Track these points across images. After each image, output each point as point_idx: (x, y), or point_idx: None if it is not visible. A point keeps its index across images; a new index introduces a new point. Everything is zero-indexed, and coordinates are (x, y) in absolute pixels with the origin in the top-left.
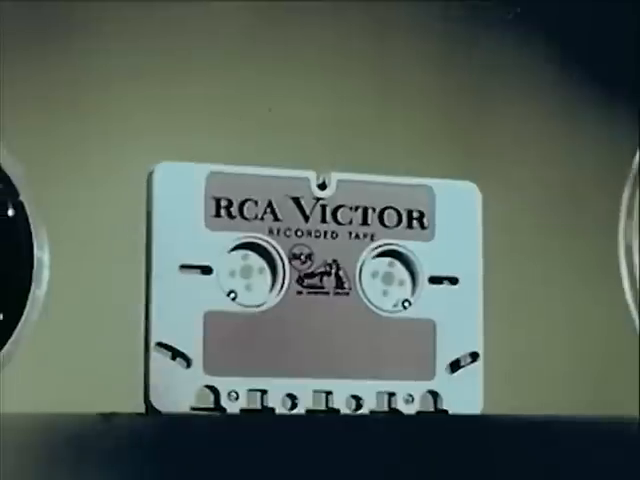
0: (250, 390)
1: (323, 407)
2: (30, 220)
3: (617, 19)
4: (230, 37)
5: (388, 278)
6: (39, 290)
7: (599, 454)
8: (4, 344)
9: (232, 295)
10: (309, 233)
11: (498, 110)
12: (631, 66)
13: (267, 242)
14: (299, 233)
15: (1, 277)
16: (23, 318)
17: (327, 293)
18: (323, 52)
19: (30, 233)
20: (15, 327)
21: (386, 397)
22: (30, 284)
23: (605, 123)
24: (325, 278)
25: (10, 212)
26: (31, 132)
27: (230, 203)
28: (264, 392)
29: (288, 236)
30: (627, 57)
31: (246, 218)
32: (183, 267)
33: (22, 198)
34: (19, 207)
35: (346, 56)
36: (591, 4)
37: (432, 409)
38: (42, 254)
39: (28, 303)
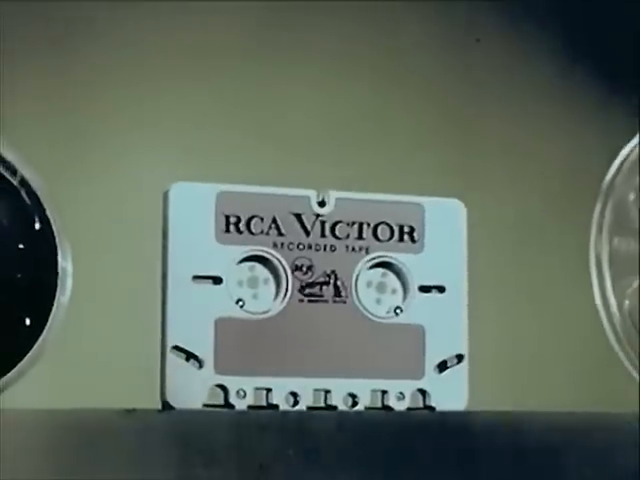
0: (256, 388)
1: (322, 404)
2: (55, 233)
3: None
4: (233, 62)
5: (381, 287)
6: (63, 297)
7: (577, 447)
8: (32, 346)
9: (240, 303)
10: (310, 246)
11: (483, 136)
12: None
13: (272, 255)
14: (301, 246)
15: (29, 285)
16: (49, 323)
17: (326, 301)
18: (324, 80)
19: (55, 245)
20: (42, 331)
21: (379, 395)
22: (55, 291)
23: (575, 149)
24: (324, 287)
25: (37, 226)
26: (57, 155)
27: (238, 219)
28: (269, 390)
29: (291, 249)
30: (596, 89)
31: (253, 233)
32: (196, 277)
33: (48, 213)
34: (45, 221)
35: (345, 87)
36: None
37: (421, 406)
38: (66, 264)
39: (53, 309)
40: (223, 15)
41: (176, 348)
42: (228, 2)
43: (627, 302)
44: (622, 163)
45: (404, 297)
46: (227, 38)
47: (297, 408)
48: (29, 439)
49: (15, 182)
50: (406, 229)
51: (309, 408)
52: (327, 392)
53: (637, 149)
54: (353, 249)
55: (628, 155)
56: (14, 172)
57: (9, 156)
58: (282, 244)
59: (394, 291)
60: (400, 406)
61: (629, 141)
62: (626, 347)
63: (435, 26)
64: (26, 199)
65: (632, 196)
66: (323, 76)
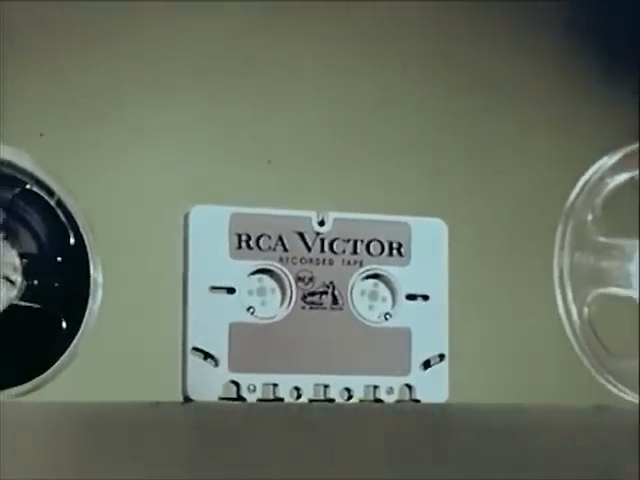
0: (265, 384)
1: (322, 397)
2: (88, 248)
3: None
4: (245, 98)
5: (373, 295)
6: (95, 304)
7: (542, 433)
8: (67, 347)
9: (251, 310)
10: (311, 261)
11: (462, 167)
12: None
13: (278, 268)
14: (303, 261)
15: (65, 293)
16: (82, 327)
17: (325, 308)
18: (322, 119)
19: (88, 258)
20: (76, 334)
21: (372, 389)
22: (88, 299)
23: (542, 177)
24: (324, 296)
25: (72, 241)
26: (91, 180)
27: (249, 237)
28: (276, 385)
29: (294, 263)
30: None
31: (261, 249)
32: (212, 288)
33: (81, 230)
34: (79, 237)
35: (339, 124)
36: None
37: (408, 399)
38: (97, 275)
39: (86, 314)
40: (240, 51)
41: (195, 349)
42: (243, 33)
43: (586, 310)
44: (582, 188)
45: (393, 304)
46: (239, 75)
47: (300, 401)
48: (65, 429)
49: (52, 203)
50: (395, 245)
51: (310, 400)
52: (326, 387)
53: (595, 176)
54: (349, 262)
55: (587, 181)
56: (52, 194)
57: (47, 180)
58: (287, 259)
59: (384, 299)
60: (389, 399)
61: (588, 169)
62: (586, 349)
63: (423, 58)
64: (62, 218)
65: (590, 217)
66: (321, 115)
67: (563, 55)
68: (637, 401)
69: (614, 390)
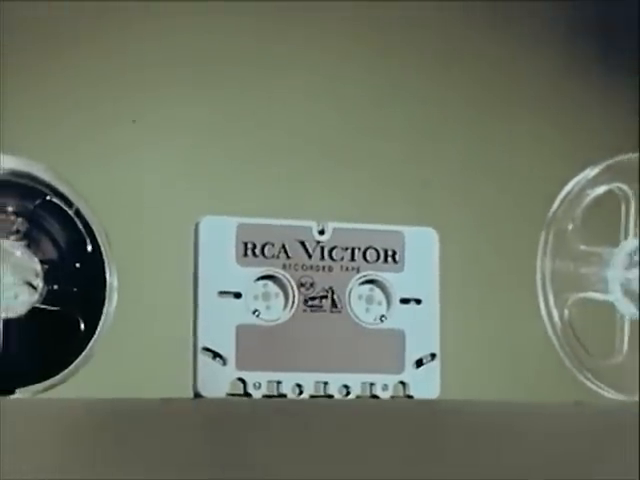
0: (269, 381)
1: (322, 394)
2: (104, 255)
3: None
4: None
5: (370, 299)
6: (110, 307)
7: (524, 428)
8: (85, 347)
9: (256, 313)
10: (312, 267)
11: (452, 179)
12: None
13: (281, 274)
14: (304, 267)
15: (83, 297)
16: (99, 328)
17: (325, 311)
18: (322, 133)
19: (104, 264)
20: (93, 335)
21: (368, 386)
22: (104, 303)
23: (524, 190)
24: (324, 300)
25: (89, 249)
26: (107, 191)
27: (254, 246)
28: (279, 383)
29: (296, 270)
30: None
31: (266, 257)
32: (221, 293)
33: (98, 239)
34: (96, 245)
35: (339, 139)
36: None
37: (402, 395)
38: (113, 280)
39: (102, 317)
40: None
41: (205, 349)
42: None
43: (567, 312)
44: (563, 199)
45: (388, 307)
46: (240, 91)
47: (301, 397)
48: (83, 423)
49: (71, 213)
50: (390, 252)
51: (311, 397)
52: (326, 384)
53: (576, 188)
54: (347, 269)
55: (568, 193)
56: (70, 205)
57: (66, 191)
58: (289, 265)
59: (380, 303)
60: (385, 395)
61: (568, 182)
62: (566, 349)
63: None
64: (80, 227)
65: (570, 226)
66: (321, 132)
67: (552, 71)
68: (614, 397)
69: (593, 387)
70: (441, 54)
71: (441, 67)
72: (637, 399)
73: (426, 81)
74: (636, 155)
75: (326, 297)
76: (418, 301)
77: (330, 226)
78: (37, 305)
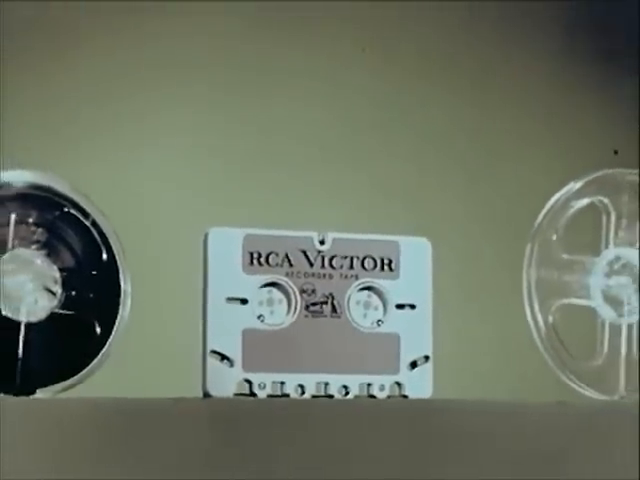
0: (273, 382)
1: (323, 394)
2: (118, 263)
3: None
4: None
5: (367, 305)
6: (124, 312)
7: (512, 425)
8: (101, 349)
9: (261, 318)
10: (313, 275)
11: (445, 192)
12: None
13: (284, 281)
14: (306, 275)
15: (99, 302)
16: (114, 331)
17: (325, 316)
18: (323, 148)
19: (118, 272)
20: (108, 337)
21: (366, 386)
22: (118, 307)
23: (511, 203)
24: (324, 306)
25: (105, 257)
26: (120, 203)
27: (259, 255)
28: (283, 383)
29: (299, 277)
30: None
31: (270, 265)
32: (228, 299)
33: (113, 247)
34: (111, 253)
35: (337, 158)
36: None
37: (397, 395)
38: (126, 286)
39: (117, 321)
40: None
41: (213, 352)
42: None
43: (551, 318)
44: (547, 212)
45: (384, 312)
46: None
47: (303, 397)
48: (99, 421)
49: (88, 223)
50: (386, 261)
51: (313, 396)
52: (326, 384)
53: (561, 200)
54: (346, 277)
55: (552, 206)
56: (87, 216)
57: (83, 203)
58: (292, 273)
59: (377, 308)
60: (381, 395)
61: (552, 196)
62: (551, 352)
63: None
64: (96, 237)
65: (554, 236)
66: (322, 148)
67: (545, 89)
68: (596, 397)
69: (575, 387)
70: (437, 71)
71: (437, 83)
72: (616, 399)
73: (423, 96)
74: (616, 170)
75: (326, 303)
76: (412, 306)
77: (330, 236)
78: (56, 310)
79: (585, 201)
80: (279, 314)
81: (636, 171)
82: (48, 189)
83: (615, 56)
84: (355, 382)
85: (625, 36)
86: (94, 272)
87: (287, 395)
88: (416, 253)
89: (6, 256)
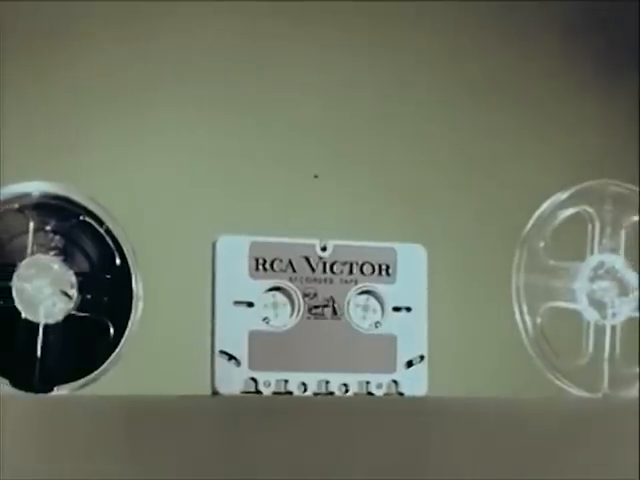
0: (278, 380)
1: (324, 391)
2: (131, 267)
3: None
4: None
5: (366, 308)
6: (137, 315)
7: (508, 423)
8: (114, 350)
9: (266, 320)
10: (315, 280)
11: (439, 202)
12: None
13: (288, 286)
14: (308, 280)
15: (113, 305)
16: (126, 333)
17: (326, 318)
18: (322, 159)
19: (130, 276)
20: (121, 338)
21: (364, 384)
22: (131, 310)
23: (500, 211)
24: (325, 309)
25: (118, 262)
26: (133, 210)
27: (265, 261)
28: (286, 381)
29: (302, 282)
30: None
31: (275, 271)
32: (235, 302)
33: (126, 253)
34: (124, 259)
35: (337, 168)
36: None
37: (394, 392)
38: (139, 290)
39: (130, 322)
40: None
41: (221, 352)
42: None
43: (539, 320)
44: (535, 220)
45: (382, 315)
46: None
47: (306, 394)
48: (112, 417)
49: (102, 231)
50: (383, 267)
51: (314, 394)
52: (327, 382)
53: (548, 209)
54: (346, 281)
55: (540, 215)
56: (101, 224)
57: (97, 212)
58: (295, 278)
59: (375, 311)
60: (379, 392)
61: (539, 206)
62: (538, 352)
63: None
64: (110, 243)
65: (542, 243)
66: (324, 163)
67: (543, 98)
68: (580, 394)
69: (561, 384)
70: (436, 78)
71: (434, 91)
72: (600, 396)
73: (421, 106)
74: (600, 181)
75: (327, 306)
76: (408, 309)
77: (331, 243)
78: (72, 312)
79: (571, 210)
80: (283, 316)
81: (618, 182)
82: (65, 199)
83: (614, 63)
84: (354, 380)
85: (624, 39)
86: (108, 276)
87: (290, 392)
88: (412, 259)
89: (26, 262)
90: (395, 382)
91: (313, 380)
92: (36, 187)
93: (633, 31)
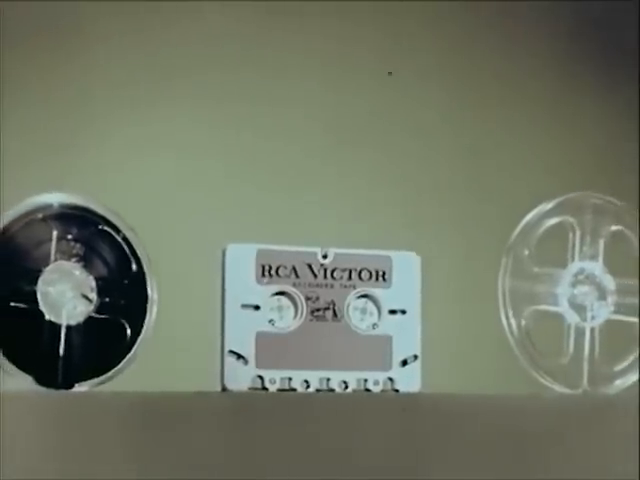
0: (282, 378)
1: (325, 388)
2: (146, 273)
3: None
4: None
5: (364, 311)
6: (151, 317)
7: (495, 419)
8: (131, 350)
9: (272, 322)
10: (317, 285)
11: (435, 210)
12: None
13: (292, 290)
14: (311, 285)
15: (129, 308)
16: (142, 334)
17: (327, 320)
18: (323, 174)
19: (146, 281)
20: (137, 339)
21: (362, 381)
22: (146, 313)
23: (489, 221)
24: (326, 312)
25: (134, 268)
26: (148, 220)
27: (270, 267)
28: (290, 379)
29: (304, 287)
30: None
31: (280, 276)
32: (243, 305)
33: (142, 260)
34: (139, 265)
35: (336, 180)
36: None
37: (390, 389)
38: (153, 294)
39: (145, 324)
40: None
41: (230, 352)
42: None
43: (523, 322)
44: (520, 230)
45: (379, 317)
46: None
47: (308, 390)
48: (129, 412)
49: (119, 238)
50: (380, 273)
51: (316, 390)
52: (328, 380)
53: (533, 219)
54: (345, 286)
55: (525, 224)
56: (119, 232)
57: (115, 221)
58: (299, 283)
59: (372, 313)
60: (376, 389)
61: (526, 214)
62: (523, 351)
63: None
64: (127, 250)
65: (527, 251)
66: (322, 170)
67: (531, 107)
68: (561, 391)
69: (543, 382)
70: (425, 93)
71: (432, 96)
72: (580, 392)
73: (418, 114)
74: (581, 193)
75: (328, 309)
76: (403, 312)
77: (332, 251)
78: (92, 314)
79: (554, 220)
80: (287, 319)
81: (599, 194)
82: (85, 209)
83: (614, 62)
84: (353, 378)
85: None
86: (125, 281)
87: (294, 389)
88: (406, 266)
89: (49, 268)
90: (391, 379)
91: (315, 378)
92: (58, 198)
93: (633, 31)
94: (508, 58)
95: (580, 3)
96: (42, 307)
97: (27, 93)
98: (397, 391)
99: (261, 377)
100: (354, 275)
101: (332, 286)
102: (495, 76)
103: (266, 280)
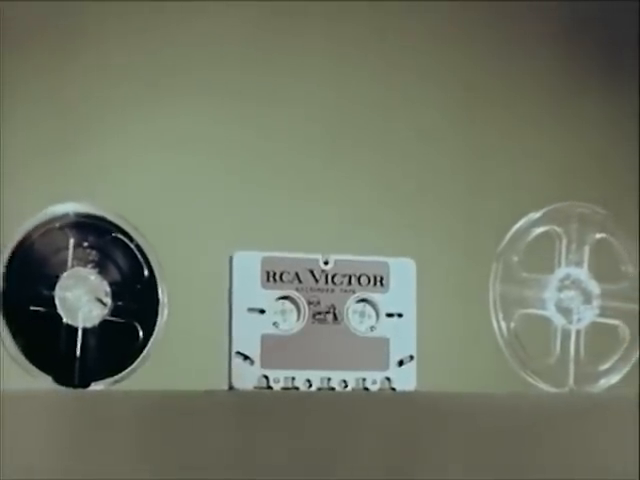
0: (286, 377)
1: (326, 387)
2: (157, 278)
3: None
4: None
5: (362, 314)
6: (162, 320)
7: (486, 416)
8: (143, 351)
9: (276, 325)
10: (318, 290)
11: (429, 219)
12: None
13: (295, 295)
14: (313, 290)
15: (141, 311)
16: (153, 336)
17: (328, 323)
18: (324, 186)
19: (157, 286)
20: (149, 341)
21: (361, 381)
22: (157, 316)
23: (481, 227)
24: (327, 315)
25: (146, 273)
26: (160, 227)
27: (275, 273)
28: (293, 378)
29: (307, 292)
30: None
31: (283, 282)
32: (249, 309)
33: (153, 265)
34: (151, 271)
35: (336, 190)
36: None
37: (387, 387)
38: (164, 298)
39: (156, 327)
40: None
41: (237, 352)
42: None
43: (513, 325)
44: (510, 237)
45: (376, 320)
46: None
47: (310, 389)
48: (142, 409)
49: (132, 246)
50: (378, 278)
51: (318, 389)
52: (329, 379)
53: (522, 227)
54: (345, 291)
55: (514, 232)
56: (131, 240)
57: (129, 230)
58: (301, 288)
59: (370, 316)
60: (374, 388)
61: (515, 223)
62: (512, 352)
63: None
64: (139, 257)
65: (516, 258)
66: (324, 180)
67: (526, 116)
68: (548, 389)
69: (532, 381)
70: (423, 98)
71: (429, 101)
72: (566, 391)
73: (416, 121)
74: (568, 203)
75: (329, 312)
76: (400, 315)
77: (332, 258)
78: (107, 318)
79: (542, 228)
80: (291, 321)
81: (584, 204)
82: (100, 218)
83: (614, 64)
84: (352, 377)
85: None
86: (138, 286)
87: (297, 388)
88: (403, 271)
89: (66, 273)
90: (388, 379)
91: (317, 377)
92: (74, 208)
93: (633, 31)
94: (508, 58)
95: (580, 3)
96: (60, 311)
97: (28, 93)
98: (394, 390)
99: (266, 377)
100: (353, 280)
101: (333, 291)
102: (495, 76)
103: (271, 285)
